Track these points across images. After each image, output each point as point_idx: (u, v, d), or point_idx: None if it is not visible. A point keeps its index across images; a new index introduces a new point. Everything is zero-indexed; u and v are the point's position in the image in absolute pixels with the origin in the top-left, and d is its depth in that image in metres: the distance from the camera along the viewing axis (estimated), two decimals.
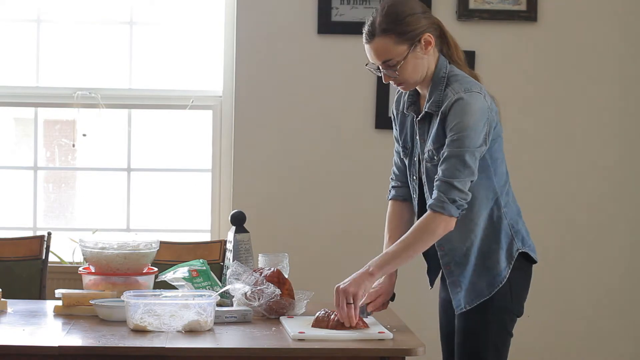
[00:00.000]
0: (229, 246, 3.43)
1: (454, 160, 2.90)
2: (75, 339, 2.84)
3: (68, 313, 3.17)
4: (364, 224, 4.69)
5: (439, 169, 2.94)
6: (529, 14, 4.75)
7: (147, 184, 4.98)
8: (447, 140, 2.93)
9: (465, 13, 4.73)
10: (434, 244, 2.99)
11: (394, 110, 3.20)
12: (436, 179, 2.94)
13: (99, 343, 2.75)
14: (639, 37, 4.82)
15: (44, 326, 3.02)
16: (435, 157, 2.98)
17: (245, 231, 3.43)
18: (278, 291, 3.12)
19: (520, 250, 3.01)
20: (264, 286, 3.12)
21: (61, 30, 4.92)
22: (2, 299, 3.25)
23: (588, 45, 4.80)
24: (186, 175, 5.00)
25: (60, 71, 4.89)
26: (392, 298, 3.16)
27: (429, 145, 3.00)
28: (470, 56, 4.59)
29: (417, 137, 3.07)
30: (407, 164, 3.15)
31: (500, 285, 2.97)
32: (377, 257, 2.95)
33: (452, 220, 2.91)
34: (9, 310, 3.22)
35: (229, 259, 3.39)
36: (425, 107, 3.01)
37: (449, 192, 2.89)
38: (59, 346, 2.73)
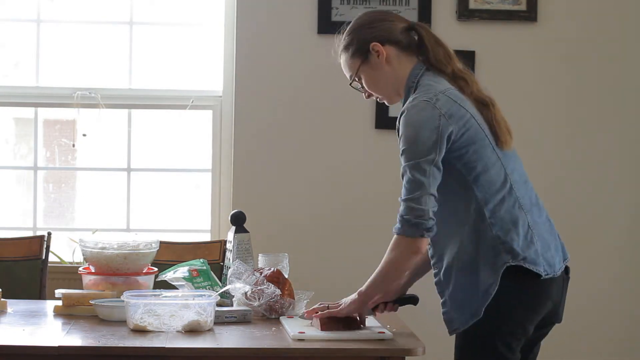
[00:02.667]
0: (229, 246, 3.43)
1: (404, 178, 2.73)
2: (75, 339, 2.84)
3: (68, 313, 3.17)
4: (364, 224, 4.69)
5: None
6: (529, 14, 4.75)
7: (147, 184, 4.97)
8: None
9: (465, 13, 4.72)
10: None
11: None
12: None
13: (99, 343, 2.75)
14: (639, 36, 4.82)
15: (43, 326, 3.02)
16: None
17: (245, 231, 3.43)
18: (278, 291, 3.13)
19: (508, 264, 2.69)
20: (264, 286, 3.12)
21: (61, 30, 4.92)
22: (2, 299, 3.25)
23: (588, 45, 4.80)
24: (186, 175, 5.00)
25: (60, 71, 4.89)
26: (416, 302, 3.01)
27: None
28: (470, 56, 4.58)
29: None
30: None
31: (487, 304, 2.68)
32: (365, 284, 2.87)
33: (415, 242, 2.69)
34: (9, 310, 3.22)
35: (229, 259, 3.39)
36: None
37: (404, 211, 2.70)
38: (58, 346, 2.73)
